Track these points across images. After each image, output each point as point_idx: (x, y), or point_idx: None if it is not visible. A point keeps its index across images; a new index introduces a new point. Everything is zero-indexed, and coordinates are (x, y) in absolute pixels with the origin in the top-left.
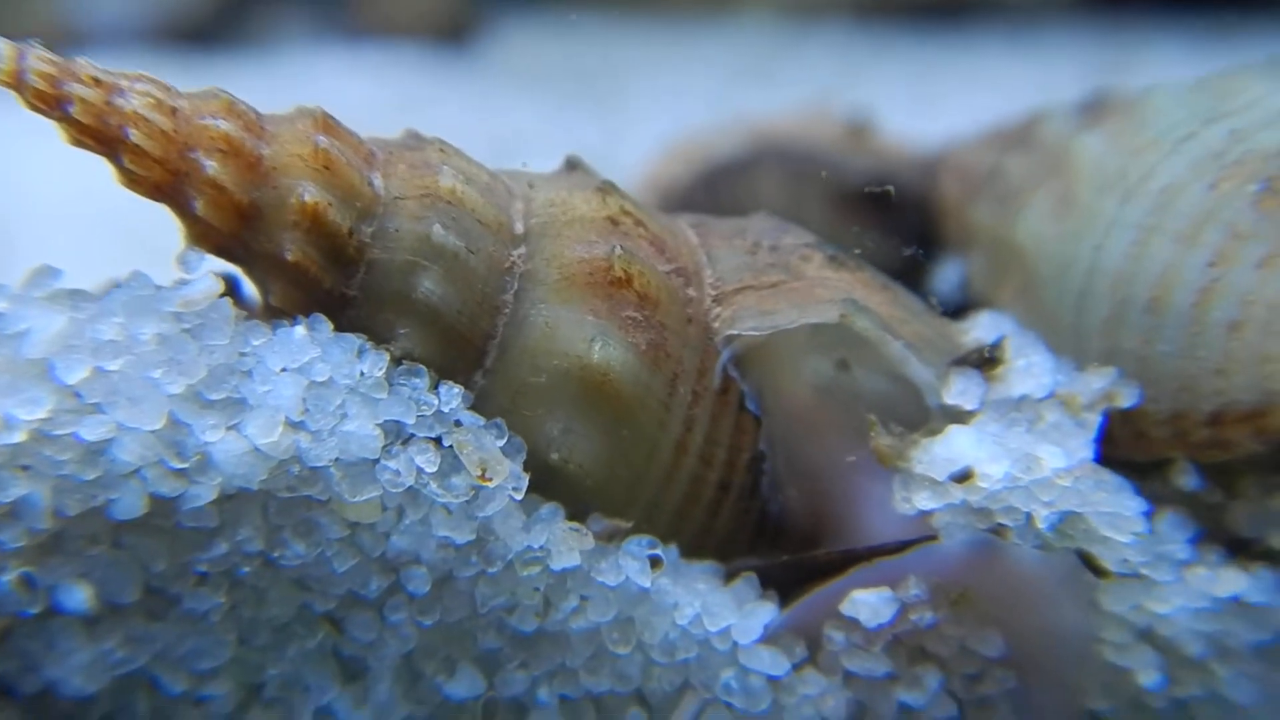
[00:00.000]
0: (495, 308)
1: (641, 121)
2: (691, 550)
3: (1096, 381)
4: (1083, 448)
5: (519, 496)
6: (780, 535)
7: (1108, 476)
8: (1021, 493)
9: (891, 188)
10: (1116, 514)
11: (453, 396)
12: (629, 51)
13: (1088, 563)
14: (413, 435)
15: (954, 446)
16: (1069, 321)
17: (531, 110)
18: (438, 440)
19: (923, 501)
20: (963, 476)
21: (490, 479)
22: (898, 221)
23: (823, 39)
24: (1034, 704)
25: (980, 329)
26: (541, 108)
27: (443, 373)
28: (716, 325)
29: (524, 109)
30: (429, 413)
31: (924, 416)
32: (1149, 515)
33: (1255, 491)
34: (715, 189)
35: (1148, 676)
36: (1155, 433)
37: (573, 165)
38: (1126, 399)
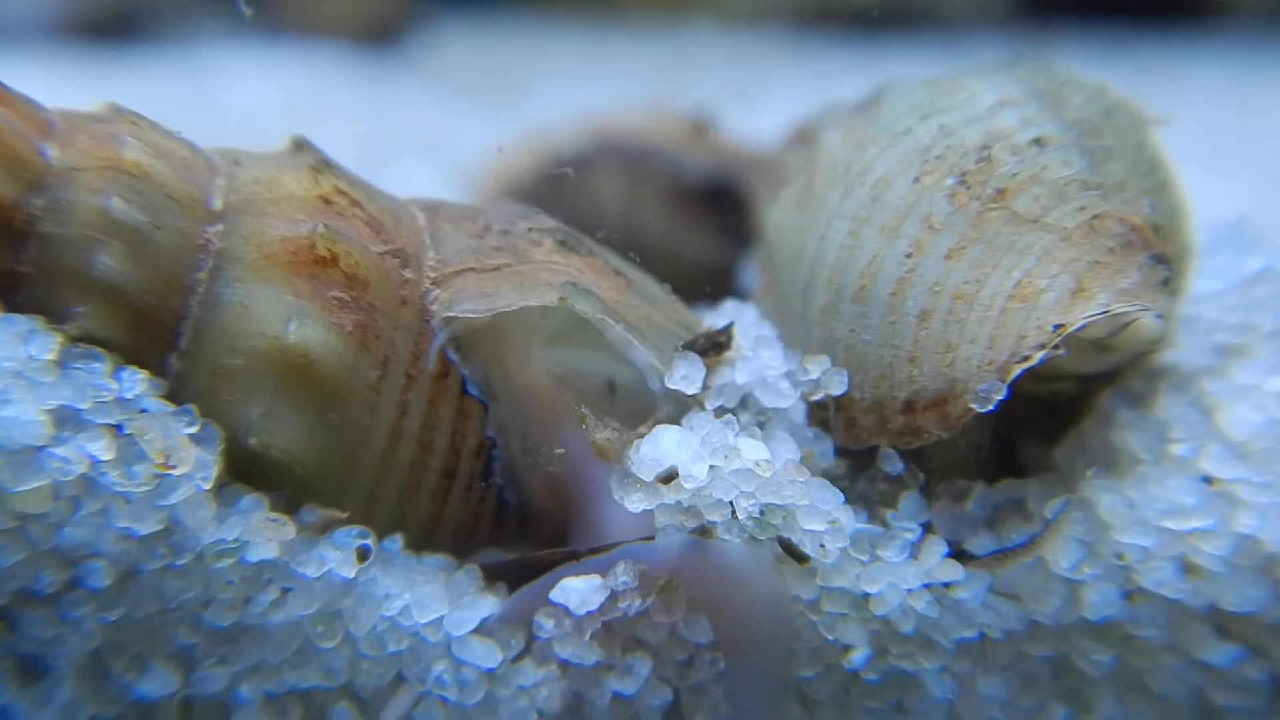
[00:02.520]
0: (187, 287)
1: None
2: (425, 541)
3: (813, 371)
4: (788, 442)
5: (205, 486)
6: (526, 525)
7: (805, 471)
8: (724, 485)
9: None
10: (814, 505)
11: (135, 382)
12: (562, 55)
13: (788, 550)
14: (88, 422)
15: (659, 447)
16: (798, 310)
17: (449, 112)
18: (116, 427)
19: (635, 503)
20: (668, 477)
21: (173, 467)
22: (730, 219)
23: (763, 45)
24: (741, 685)
25: (721, 317)
26: (460, 110)
27: (131, 355)
28: (434, 308)
29: (442, 111)
30: (108, 398)
31: (677, 405)
32: (869, 501)
33: (946, 494)
34: (557, 185)
35: (856, 652)
36: (862, 420)
37: (299, 145)
38: (836, 388)
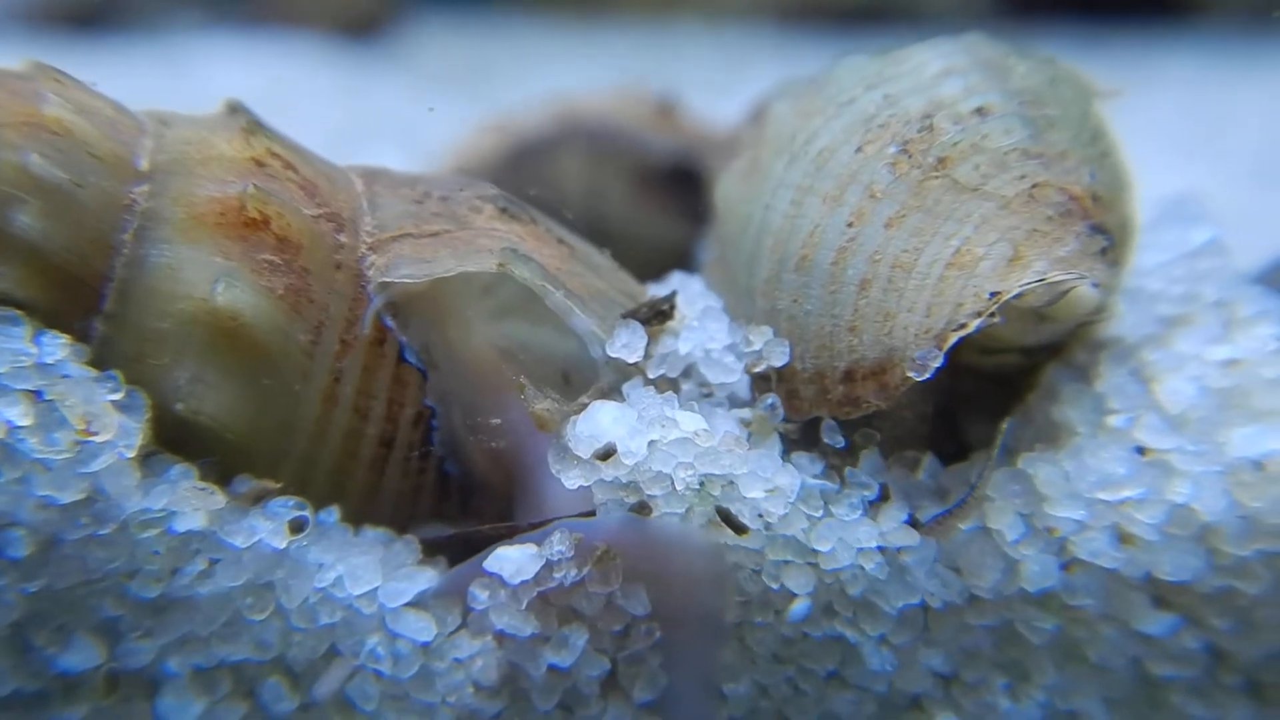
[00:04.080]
0: (111, 247)
1: None
2: (364, 512)
3: (756, 342)
4: (728, 414)
5: (129, 454)
6: (470, 497)
7: (744, 442)
8: (663, 456)
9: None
10: (753, 473)
11: (56, 346)
12: (545, 49)
13: (726, 520)
14: (6, 387)
15: (596, 424)
16: (743, 282)
17: (425, 104)
18: (35, 393)
19: (572, 479)
20: (606, 454)
21: (95, 433)
22: (694, 200)
23: (747, 41)
24: (677, 656)
25: (666, 288)
26: (436, 102)
27: (52, 318)
28: (370, 273)
29: (417, 103)
30: (26, 363)
31: (619, 374)
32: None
33: (896, 464)
34: (522, 166)
35: (799, 604)
36: (803, 391)
37: (233, 109)
38: (778, 359)
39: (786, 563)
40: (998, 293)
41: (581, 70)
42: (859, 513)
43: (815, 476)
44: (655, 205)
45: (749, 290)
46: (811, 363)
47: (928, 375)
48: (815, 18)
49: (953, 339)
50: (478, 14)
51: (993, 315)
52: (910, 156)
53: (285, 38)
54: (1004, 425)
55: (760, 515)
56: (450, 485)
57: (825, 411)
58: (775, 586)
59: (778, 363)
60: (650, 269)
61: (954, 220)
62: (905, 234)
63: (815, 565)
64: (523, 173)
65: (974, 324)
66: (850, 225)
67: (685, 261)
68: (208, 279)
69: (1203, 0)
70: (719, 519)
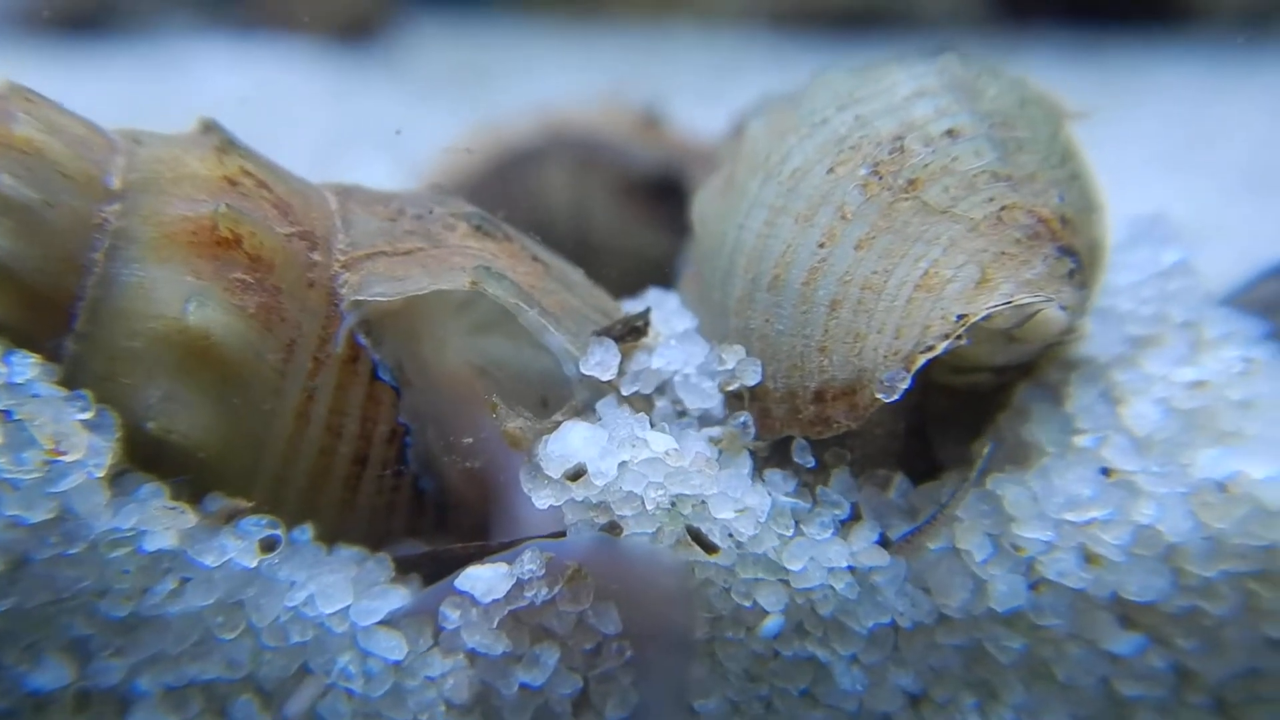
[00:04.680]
0: (82, 267)
1: None
2: (338, 528)
3: (729, 360)
4: (696, 436)
5: (98, 473)
6: (445, 513)
7: (715, 463)
8: (633, 476)
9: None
10: (723, 494)
11: (26, 366)
12: (538, 53)
13: (697, 540)
14: None
15: (566, 444)
16: (718, 299)
17: (416, 109)
18: (5, 413)
19: (543, 499)
20: (576, 474)
21: (64, 453)
22: (678, 212)
23: (741, 46)
24: (647, 675)
25: (641, 304)
26: (427, 107)
27: (23, 337)
28: (343, 291)
29: (408, 108)
30: None
31: (593, 391)
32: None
33: (868, 483)
34: (507, 178)
35: (771, 621)
36: (775, 410)
37: (207, 127)
38: (750, 378)
39: (758, 580)
40: (964, 315)
41: (575, 74)
42: (830, 532)
43: (787, 495)
44: (640, 216)
45: (723, 308)
46: (783, 382)
47: (896, 397)
48: (809, 22)
49: (920, 361)
50: (472, 17)
51: (959, 337)
52: (881, 178)
53: (278, 42)
54: (985, 449)
55: (730, 535)
56: (425, 501)
57: (797, 431)
58: (747, 604)
59: (750, 382)
60: (634, 280)
61: (923, 242)
62: (875, 255)
63: (787, 583)
64: (508, 183)
65: (941, 346)
66: (821, 246)
67: (669, 273)
68: (179, 298)
69: (1196, 7)
70: (689, 538)
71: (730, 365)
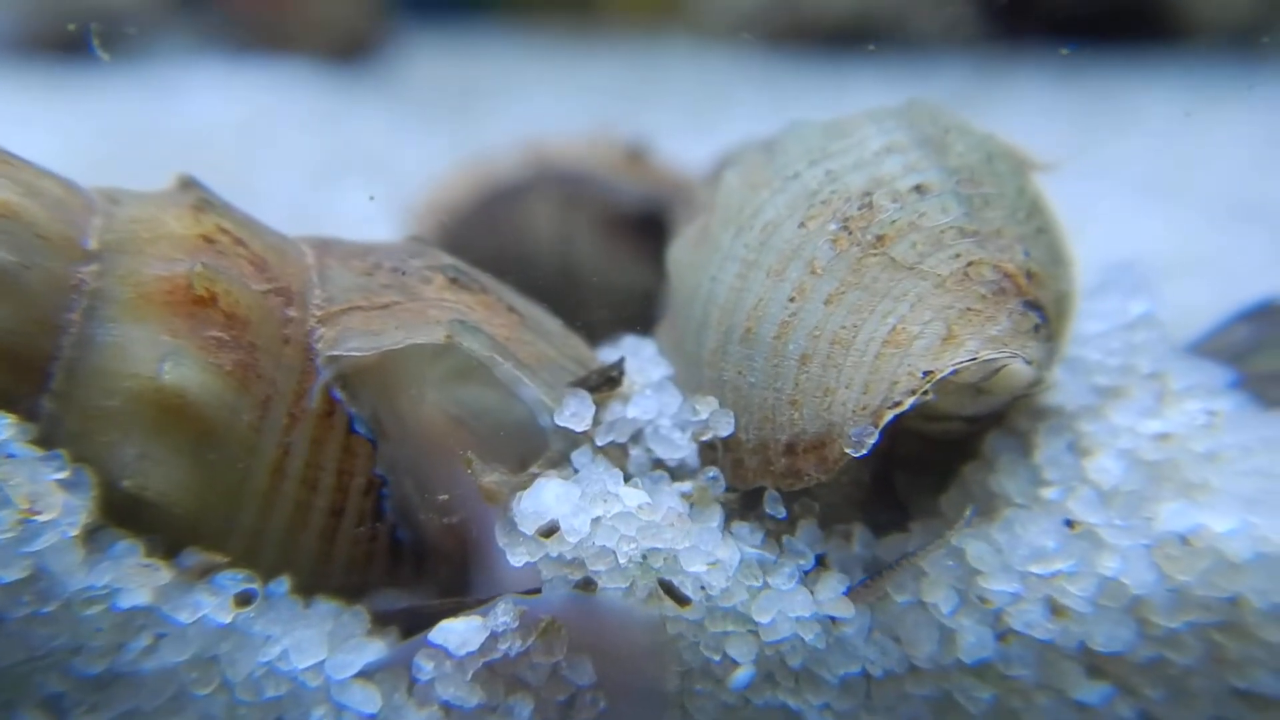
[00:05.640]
0: (58, 327)
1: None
2: (315, 580)
3: (702, 412)
4: (669, 491)
5: (72, 533)
6: (423, 563)
7: (687, 519)
8: (606, 531)
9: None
10: (695, 547)
11: (1, 427)
12: (533, 71)
13: (669, 592)
14: None
15: (540, 501)
16: (692, 350)
17: (407, 131)
18: None
19: (518, 557)
20: (549, 531)
21: (38, 513)
22: (663, 244)
23: (734, 63)
24: None
25: (617, 352)
26: (418, 129)
27: (0, 395)
28: (319, 346)
29: (399, 130)
30: None
31: (568, 442)
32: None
33: (834, 533)
34: (494, 211)
35: (742, 673)
36: (748, 461)
37: (185, 184)
38: (724, 429)
39: (727, 634)
40: (930, 372)
41: (569, 92)
42: (794, 582)
43: (754, 547)
44: (625, 250)
45: (697, 358)
46: (755, 434)
47: (864, 453)
48: (802, 40)
49: (888, 417)
50: (466, 35)
51: (926, 393)
52: (850, 233)
53: (271, 64)
54: (967, 512)
55: (703, 588)
56: (402, 551)
57: (769, 482)
58: (716, 658)
59: (723, 433)
60: (619, 314)
61: (891, 298)
62: (844, 311)
63: (756, 634)
64: (494, 216)
65: (908, 403)
66: (792, 300)
67: (653, 308)
68: (155, 357)
69: (1189, 24)
70: (661, 591)
71: (704, 416)
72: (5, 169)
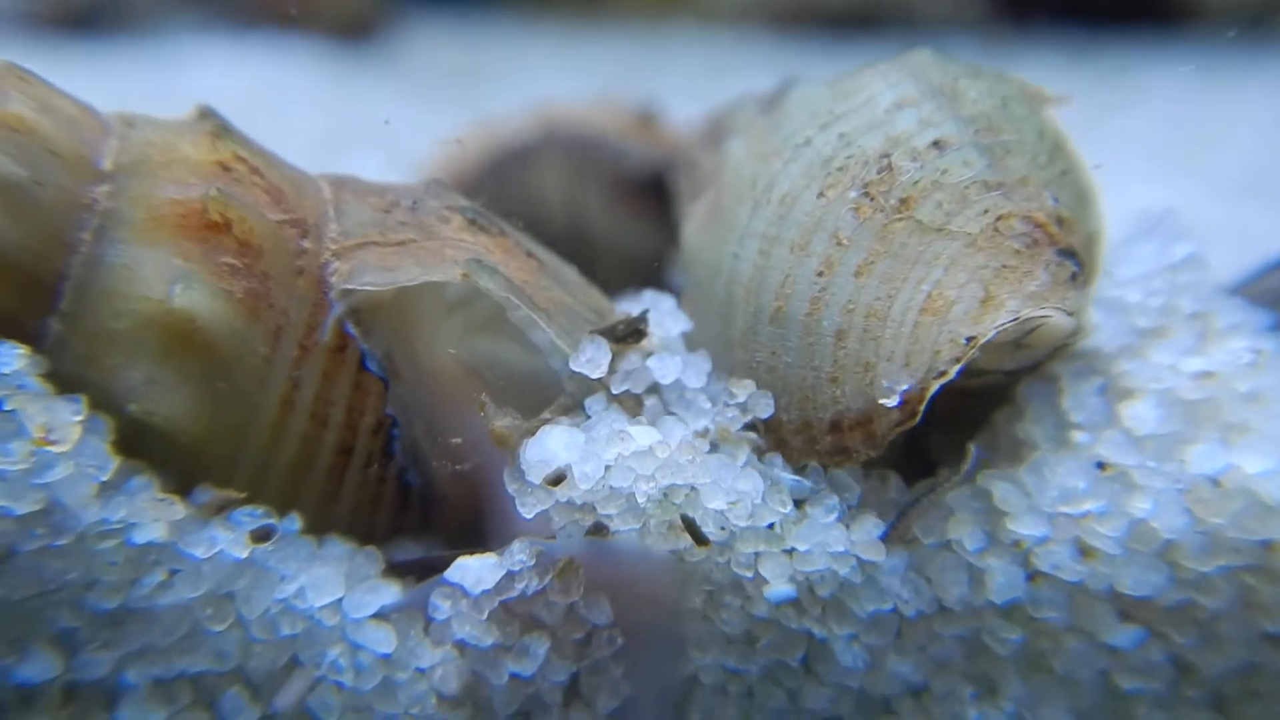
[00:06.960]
0: (69, 246)
1: None
2: (321, 521)
3: (740, 394)
4: (677, 422)
5: (102, 476)
6: (431, 509)
7: (701, 447)
8: (622, 471)
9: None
10: (715, 482)
11: (12, 357)
12: (538, 54)
13: (690, 530)
14: None
15: (545, 448)
16: (718, 330)
17: (413, 109)
18: None
19: (529, 508)
20: (557, 479)
21: (54, 441)
22: (671, 208)
23: (740, 47)
24: (637, 668)
25: (638, 305)
26: (424, 107)
27: (7, 315)
28: (333, 279)
29: (405, 107)
30: None
31: (582, 389)
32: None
33: (874, 478)
34: (502, 173)
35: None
36: (792, 441)
37: (203, 114)
38: (763, 411)
39: (759, 554)
40: (973, 337)
41: (573, 75)
42: (833, 516)
43: (789, 473)
44: (634, 213)
45: (725, 339)
46: (796, 413)
47: (918, 421)
48: (808, 24)
49: (935, 387)
50: (472, 16)
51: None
52: (872, 199)
53: (276, 41)
54: (970, 450)
55: (723, 528)
56: (411, 496)
57: (815, 460)
58: (749, 575)
59: (763, 415)
60: (628, 277)
61: (922, 264)
62: (876, 281)
63: (789, 555)
64: (503, 180)
65: (953, 370)
66: (820, 275)
67: (660, 270)
68: (165, 280)
69: (1194, 7)
70: (681, 526)
71: (741, 399)
72: (21, 85)
